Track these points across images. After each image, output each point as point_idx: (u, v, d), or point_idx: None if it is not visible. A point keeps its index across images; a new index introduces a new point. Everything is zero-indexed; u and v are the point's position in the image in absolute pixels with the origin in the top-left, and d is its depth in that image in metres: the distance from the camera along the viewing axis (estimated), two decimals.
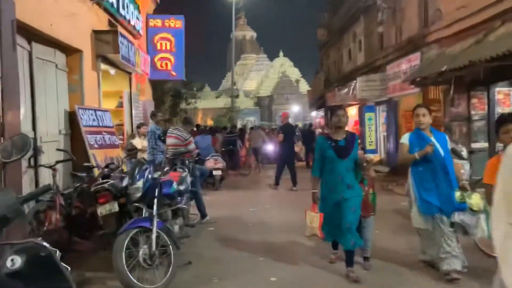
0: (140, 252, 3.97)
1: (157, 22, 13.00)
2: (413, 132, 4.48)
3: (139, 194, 4.18)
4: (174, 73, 13.30)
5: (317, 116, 31.09)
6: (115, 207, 4.79)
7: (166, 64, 13.16)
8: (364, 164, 4.47)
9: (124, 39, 8.33)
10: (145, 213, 4.23)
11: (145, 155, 8.52)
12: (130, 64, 8.82)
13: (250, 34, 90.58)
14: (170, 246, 4.13)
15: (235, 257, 5.26)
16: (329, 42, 25.41)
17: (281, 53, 73.74)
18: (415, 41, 11.53)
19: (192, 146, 6.90)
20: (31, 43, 5.65)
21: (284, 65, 70.73)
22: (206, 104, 55.64)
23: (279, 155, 11.47)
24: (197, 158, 7.26)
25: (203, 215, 7.07)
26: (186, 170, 6.16)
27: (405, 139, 4.45)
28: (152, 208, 4.28)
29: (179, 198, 5.02)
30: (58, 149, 5.58)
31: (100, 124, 7.35)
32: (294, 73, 69.43)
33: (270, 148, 16.32)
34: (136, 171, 4.28)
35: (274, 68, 70.72)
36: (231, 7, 26.68)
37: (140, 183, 4.19)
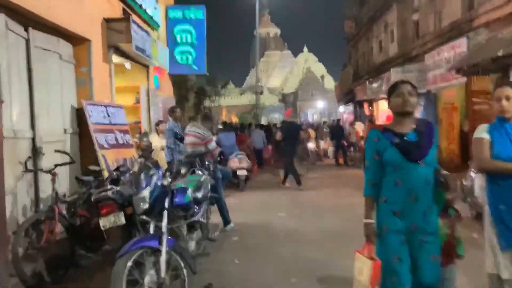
0: (146, 280, 3.19)
1: (176, 13, 12.29)
2: (493, 123, 2.91)
3: (145, 206, 3.39)
4: (195, 67, 12.52)
5: (344, 111, 30.16)
6: (120, 218, 4.09)
7: (187, 57, 12.42)
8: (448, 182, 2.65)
9: (139, 28, 7.59)
10: (152, 228, 3.44)
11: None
12: (145, 55, 8.07)
13: (274, 31, 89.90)
14: (184, 270, 3.33)
15: (264, 278, 4.43)
16: (357, 34, 24.45)
17: (305, 49, 72.96)
18: (459, 26, 10.42)
19: (212, 144, 6.19)
20: (28, 30, 4.93)
21: (308, 61, 69.85)
22: (230, 101, 55.26)
23: (282, 155, 10.85)
24: (219, 159, 6.48)
25: (226, 221, 6.32)
26: (206, 172, 5.38)
27: (483, 131, 2.87)
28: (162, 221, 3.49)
29: (196, 207, 4.21)
30: (56, 151, 4.88)
31: (112, 122, 6.62)
32: (319, 68, 68.46)
33: (311, 145, 16.18)
34: (142, 177, 3.49)
35: (299, 64, 69.90)
36: (254, 4, 25.98)
37: (146, 192, 3.39)
